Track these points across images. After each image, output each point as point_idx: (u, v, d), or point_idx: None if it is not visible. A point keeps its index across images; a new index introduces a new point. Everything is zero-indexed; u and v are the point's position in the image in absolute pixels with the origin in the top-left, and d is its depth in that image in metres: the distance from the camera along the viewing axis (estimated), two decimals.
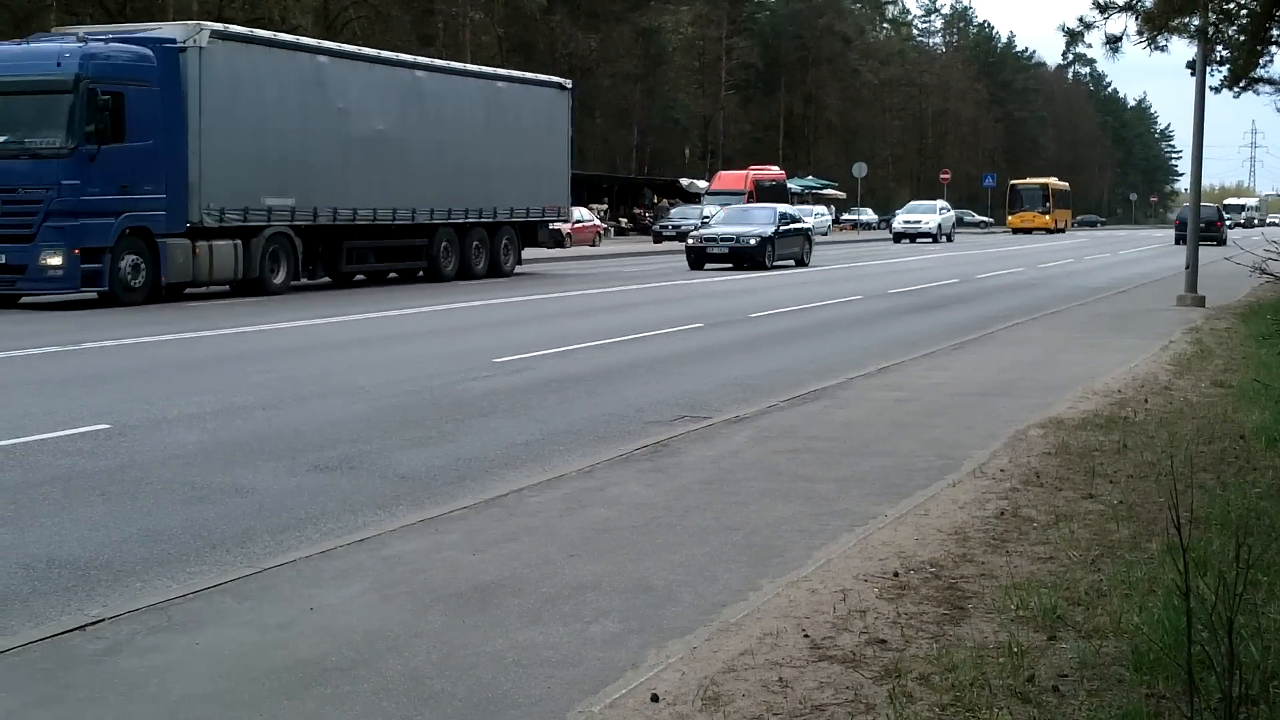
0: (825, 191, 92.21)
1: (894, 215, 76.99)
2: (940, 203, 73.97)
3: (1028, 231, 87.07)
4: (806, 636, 5.59)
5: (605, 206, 71.61)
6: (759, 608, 6.02)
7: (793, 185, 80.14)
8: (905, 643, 5.49)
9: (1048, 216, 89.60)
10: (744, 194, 68.48)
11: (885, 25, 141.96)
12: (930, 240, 67.38)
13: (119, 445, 10.19)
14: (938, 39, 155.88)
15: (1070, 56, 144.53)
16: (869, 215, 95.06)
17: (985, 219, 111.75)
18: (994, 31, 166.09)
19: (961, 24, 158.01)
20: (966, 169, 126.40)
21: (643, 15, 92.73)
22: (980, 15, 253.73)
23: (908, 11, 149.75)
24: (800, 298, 25.97)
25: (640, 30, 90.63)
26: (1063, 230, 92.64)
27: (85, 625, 5.86)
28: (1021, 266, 41.99)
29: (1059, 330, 19.41)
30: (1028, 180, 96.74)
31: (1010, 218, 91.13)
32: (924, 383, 13.54)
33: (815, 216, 77.13)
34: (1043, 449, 9.68)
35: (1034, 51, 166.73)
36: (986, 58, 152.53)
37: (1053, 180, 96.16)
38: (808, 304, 24.62)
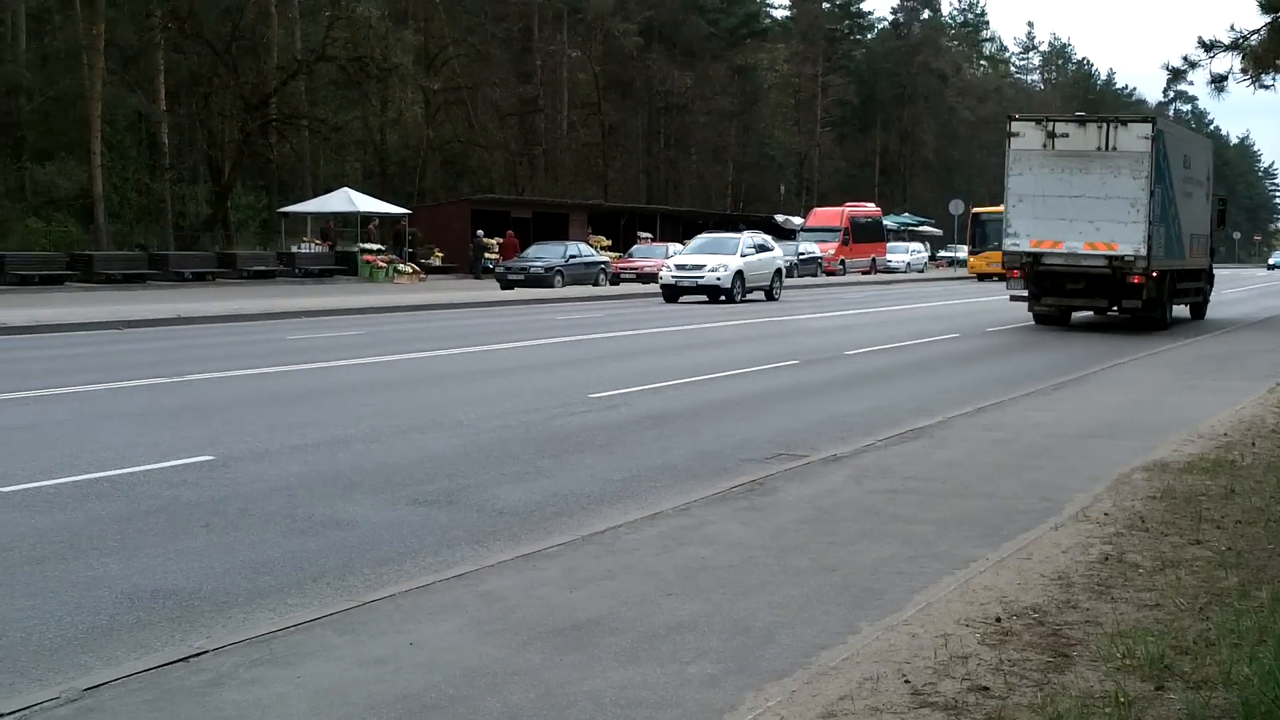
0: (921, 228, 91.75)
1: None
2: (748, 237, 41.10)
3: (994, 277, 56.49)
4: (907, 682, 5.53)
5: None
6: (858, 651, 5.96)
7: (888, 222, 79.90)
8: (1008, 690, 5.41)
9: None
10: (840, 230, 68.43)
11: (982, 62, 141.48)
12: (724, 299, 37.87)
13: (222, 476, 10.33)
14: (1035, 76, 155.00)
15: (1171, 94, 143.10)
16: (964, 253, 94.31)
17: None
18: (1093, 68, 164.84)
19: (1060, 61, 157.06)
20: None
21: (739, 53, 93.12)
22: (1079, 52, 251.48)
23: (1005, 48, 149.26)
24: (897, 335, 25.80)
25: (736, 68, 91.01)
26: None
27: (189, 657, 5.92)
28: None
29: (1161, 371, 19.13)
30: (995, 209, 57.81)
31: (972, 258, 63.89)
32: (1024, 423, 13.39)
33: (912, 253, 76.86)
34: (1147, 493, 9.52)
35: (1134, 88, 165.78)
36: (1085, 94, 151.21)
37: None
38: (904, 341, 24.45)
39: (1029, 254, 28.00)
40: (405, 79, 63.13)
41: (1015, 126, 28.05)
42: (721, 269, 37.92)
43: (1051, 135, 27.40)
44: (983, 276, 62.22)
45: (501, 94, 71.90)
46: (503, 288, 44.69)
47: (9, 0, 53.41)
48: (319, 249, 53.35)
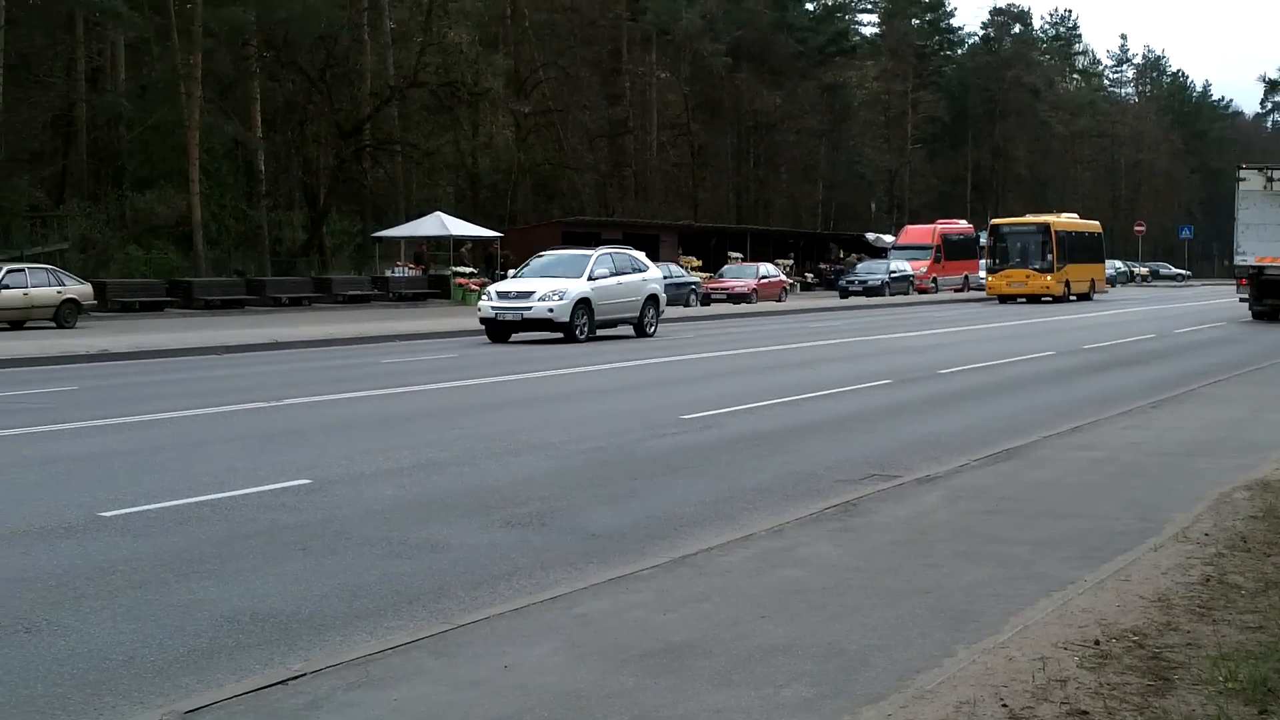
0: None
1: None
2: (604, 254, 32.48)
3: (1018, 299, 55.40)
4: (1005, 706, 5.47)
5: (791, 262, 71.57)
6: (954, 674, 5.91)
7: (981, 239, 79.21)
8: (1108, 714, 5.35)
9: (1049, 277, 55.03)
10: (931, 248, 67.93)
11: (1075, 76, 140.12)
12: (561, 336, 29.95)
13: (319, 500, 10.45)
14: (1130, 89, 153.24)
15: (1269, 105, 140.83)
16: None
17: (1182, 272, 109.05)
18: (1188, 80, 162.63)
19: (1154, 73, 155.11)
20: (1162, 221, 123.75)
21: (828, 71, 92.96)
22: (1174, 64, 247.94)
23: (1098, 62, 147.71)
24: (991, 353, 25.58)
25: (825, 86, 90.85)
26: (1087, 297, 58.34)
27: (288, 679, 5.99)
28: (1222, 320, 40.82)
29: (1263, 388, 18.80)
30: (1019, 220, 61.03)
31: (991, 278, 57.30)
32: (1120, 442, 13.21)
33: None
34: (1249, 512, 9.36)
35: (1230, 100, 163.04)
36: (1181, 107, 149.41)
37: (1062, 218, 61.17)
38: (998, 360, 24.23)
39: (1253, 267, 37.27)
40: (496, 103, 63.64)
41: (1243, 174, 38.19)
42: (555, 297, 29.33)
43: (1270, 180, 37.05)
44: (1004, 299, 55.23)
45: (591, 116, 72.23)
46: None
47: (109, 32, 54.48)
48: (412, 273, 53.85)
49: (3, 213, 46.08)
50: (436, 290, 51.93)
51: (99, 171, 54.15)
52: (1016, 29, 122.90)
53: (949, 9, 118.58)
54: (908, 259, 66.02)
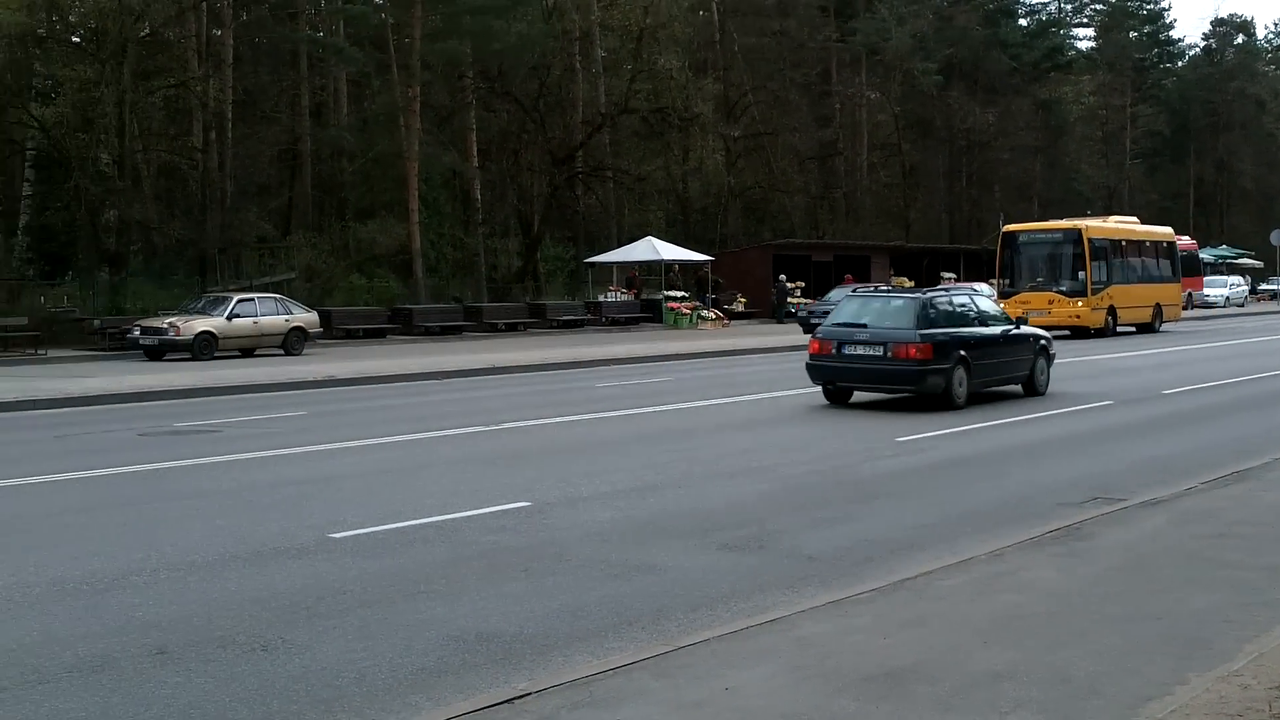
0: (1240, 261, 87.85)
1: None
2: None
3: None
4: None
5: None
6: (1186, 703, 5.77)
7: (1204, 255, 76.85)
8: None
9: (1079, 302, 39.42)
10: None
11: None
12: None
13: (539, 522, 10.63)
14: None
15: None
16: None
17: None
18: None
19: None
20: None
21: (1042, 87, 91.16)
22: None
23: None
24: (1217, 373, 24.79)
25: (1040, 102, 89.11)
26: (1149, 328, 42.90)
27: (513, 699, 6.12)
28: None
29: None
30: (1040, 226, 44.86)
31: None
32: None
33: (1230, 287, 73.69)
34: None
35: None
36: None
37: (1108, 221, 45.58)
38: (1226, 379, 23.48)
39: None
40: (706, 127, 63.86)
41: None
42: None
43: None
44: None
45: (801, 138, 72.01)
46: (805, 332, 44.64)
47: (331, 68, 56.25)
48: (625, 297, 54.36)
49: (233, 244, 47.83)
50: (649, 314, 52.31)
51: (323, 203, 55.87)
52: (1239, 39, 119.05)
53: (1168, 21, 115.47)
54: None
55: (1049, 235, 41.73)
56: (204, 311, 34.50)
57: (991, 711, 5.78)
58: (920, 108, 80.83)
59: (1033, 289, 39.82)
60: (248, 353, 34.36)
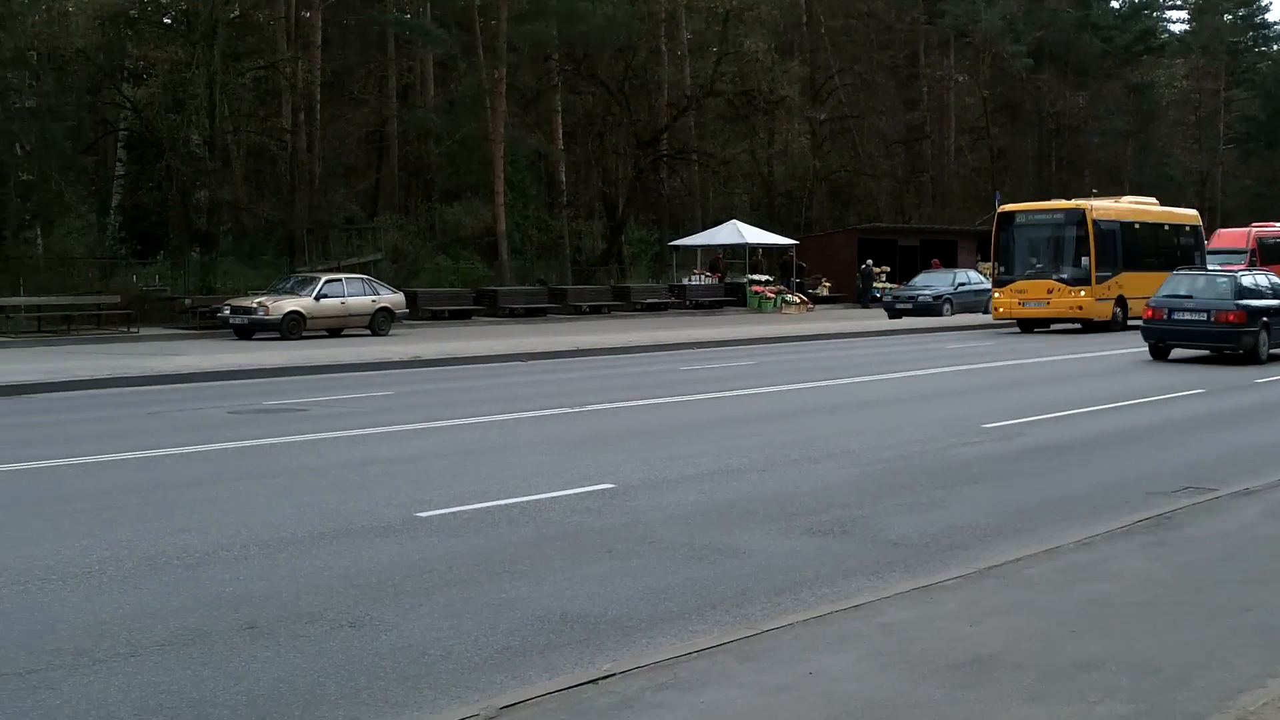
0: None
1: None
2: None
3: (1038, 326, 37.00)
4: None
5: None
6: (1279, 696, 5.67)
7: None
8: None
9: (1082, 291, 35.48)
10: (1246, 253, 65.07)
11: None
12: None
13: (622, 504, 10.65)
14: None
15: None
16: None
17: None
18: None
19: None
20: None
21: (1134, 70, 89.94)
22: None
23: None
24: None
25: (1131, 86, 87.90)
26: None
27: (597, 679, 6.14)
28: None
29: None
30: (1039, 206, 40.51)
31: (998, 293, 36.94)
32: None
33: None
34: None
35: None
36: None
37: (1121, 202, 41.02)
38: None
39: None
40: (792, 110, 63.61)
41: None
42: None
43: None
44: (1025, 326, 36.97)
45: (888, 121, 71.47)
46: (890, 316, 44.42)
47: (418, 50, 56.52)
48: (709, 280, 54.29)
49: (321, 225, 48.27)
50: (733, 298, 52.22)
51: (409, 185, 56.21)
52: None
53: (1263, 3, 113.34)
54: (1219, 264, 63.29)
55: (1049, 216, 37.75)
56: (292, 291, 34.89)
57: (1080, 701, 5.72)
58: (1009, 91, 79.95)
59: (1030, 276, 36.18)
60: (335, 333, 34.69)
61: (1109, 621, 6.94)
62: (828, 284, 56.70)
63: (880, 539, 9.47)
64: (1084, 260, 35.58)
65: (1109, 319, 35.81)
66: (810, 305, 51.63)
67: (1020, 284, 36.08)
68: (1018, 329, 36.51)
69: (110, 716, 5.94)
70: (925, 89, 76.62)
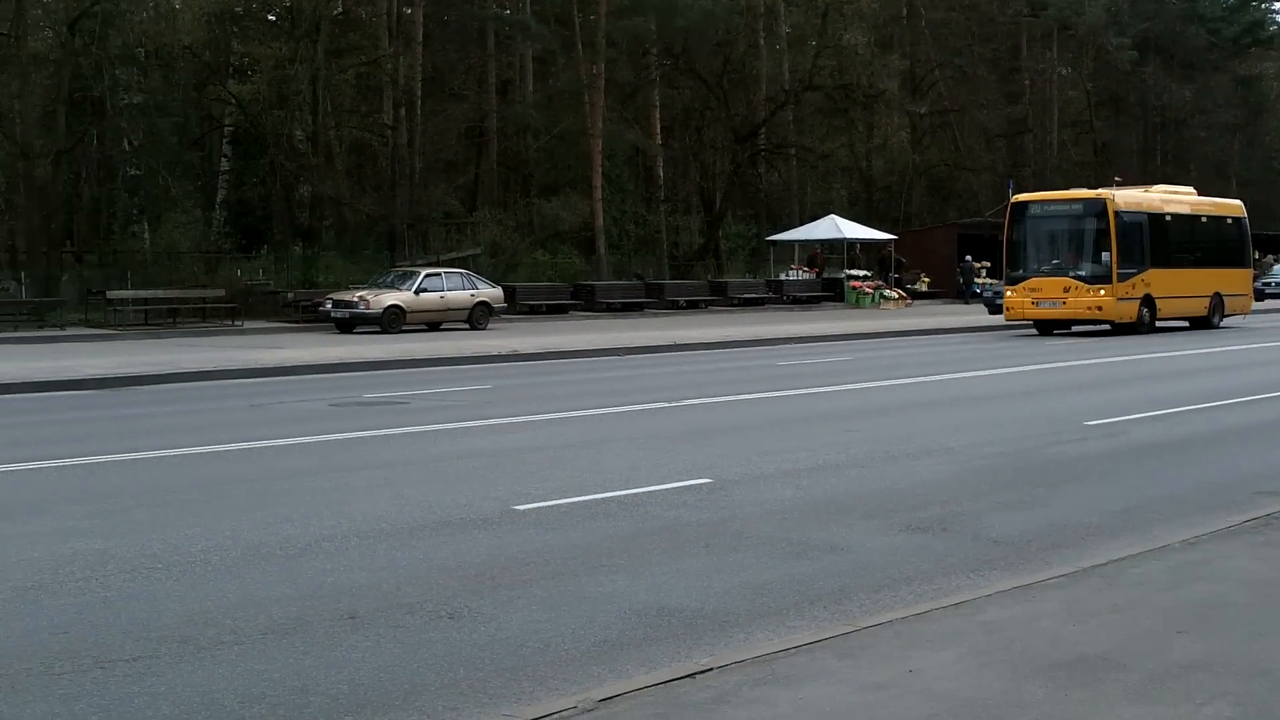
0: None
1: None
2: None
3: (1056, 328, 33.81)
4: None
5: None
6: None
7: None
8: None
9: (1102, 290, 32.10)
10: None
11: None
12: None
13: (720, 499, 10.63)
14: None
15: None
16: None
17: None
18: None
19: None
20: None
21: (1242, 63, 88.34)
22: None
23: None
24: None
25: (1239, 78, 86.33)
26: (1205, 323, 35.50)
27: (695, 673, 6.12)
28: None
29: None
30: (1055, 196, 36.58)
31: (1010, 291, 33.97)
32: None
33: None
34: None
35: None
36: None
37: (1151, 192, 36.93)
38: None
39: None
40: (891, 104, 63.21)
41: None
42: None
43: None
44: (1042, 328, 33.88)
45: (989, 115, 70.76)
46: (990, 312, 43.95)
47: (518, 45, 56.89)
48: (806, 276, 54.08)
49: (421, 220, 48.74)
50: (830, 293, 51.99)
51: (508, 179, 56.58)
52: None
53: None
54: None
55: (1066, 207, 34.13)
56: (393, 285, 35.26)
57: (1187, 702, 5.61)
58: (1113, 84, 78.88)
59: (1044, 273, 32.88)
60: (434, 326, 34.99)
61: (1216, 622, 6.81)
62: (926, 279, 56.22)
63: (981, 537, 9.37)
64: (1104, 255, 32.22)
65: (1133, 320, 32.74)
66: (909, 300, 51.28)
67: (1033, 281, 32.91)
68: (1035, 331, 34.00)
69: (214, 703, 6.02)
70: (1027, 82, 75.75)
